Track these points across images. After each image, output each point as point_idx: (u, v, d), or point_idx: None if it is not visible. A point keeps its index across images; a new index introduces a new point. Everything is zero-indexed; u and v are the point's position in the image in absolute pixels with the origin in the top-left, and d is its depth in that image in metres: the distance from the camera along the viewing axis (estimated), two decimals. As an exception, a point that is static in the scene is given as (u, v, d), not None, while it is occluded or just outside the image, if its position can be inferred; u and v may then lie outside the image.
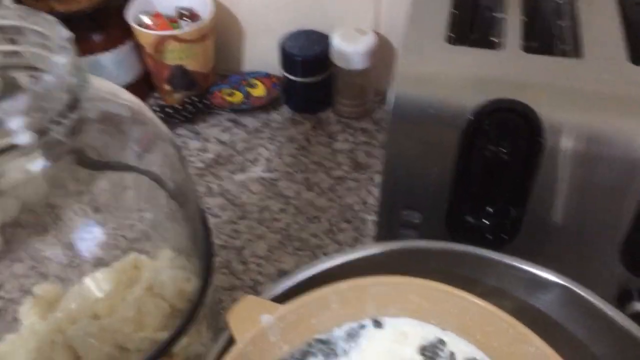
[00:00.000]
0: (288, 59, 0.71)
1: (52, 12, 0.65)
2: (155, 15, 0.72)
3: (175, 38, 0.68)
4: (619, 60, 0.41)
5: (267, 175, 0.68)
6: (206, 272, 0.37)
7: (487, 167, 0.41)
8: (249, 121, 0.75)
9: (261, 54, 0.78)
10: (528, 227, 0.45)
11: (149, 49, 0.70)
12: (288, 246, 0.60)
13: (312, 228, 0.62)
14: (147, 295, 0.40)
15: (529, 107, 0.38)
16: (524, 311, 0.39)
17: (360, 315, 0.39)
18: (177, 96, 0.75)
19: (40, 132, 0.26)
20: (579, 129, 0.39)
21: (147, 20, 0.71)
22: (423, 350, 0.38)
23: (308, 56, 0.70)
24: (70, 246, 0.41)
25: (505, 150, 0.39)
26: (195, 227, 0.39)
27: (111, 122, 0.32)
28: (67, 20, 0.68)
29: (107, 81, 0.34)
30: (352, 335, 0.39)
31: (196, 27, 0.69)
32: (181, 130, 0.73)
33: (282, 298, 0.38)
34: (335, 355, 0.38)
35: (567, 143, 0.39)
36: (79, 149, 0.29)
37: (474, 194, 0.43)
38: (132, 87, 0.73)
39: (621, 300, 0.46)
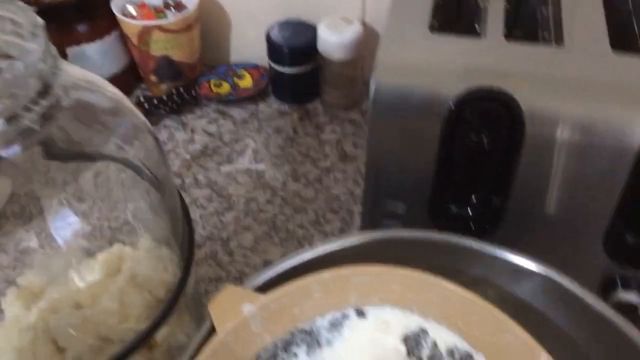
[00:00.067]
0: (274, 50, 0.71)
1: (37, 2, 0.64)
2: (141, 6, 0.71)
3: (160, 28, 0.68)
4: (601, 48, 0.41)
5: (254, 166, 0.67)
6: (187, 262, 0.37)
7: (469, 156, 0.41)
8: (236, 112, 0.74)
9: (248, 44, 0.78)
10: (512, 217, 0.45)
11: (134, 39, 0.69)
12: (274, 237, 0.60)
13: (299, 219, 0.62)
14: (129, 285, 0.40)
15: (510, 96, 0.38)
16: (508, 300, 0.39)
17: (343, 305, 0.39)
18: (164, 87, 0.74)
19: (11, 118, 0.25)
20: (561, 117, 0.39)
21: (132, 10, 0.70)
22: (406, 340, 0.38)
23: (294, 46, 0.70)
24: (54, 237, 0.41)
25: (487, 139, 0.39)
26: (175, 216, 0.39)
27: (87, 111, 0.32)
28: (53, 10, 0.68)
29: (85, 70, 0.34)
30: (335, 325, 0.39)
31: (181, 17, 0.69)
32: (168, 122, 0.73)
33: (265, 288, 0.37)
34: (319, 345, 0.38)
35: (548, 131, 0.39)
36: (50, 139, 0.28)
37: (456, 183, 0.43)
38: (118, 78, 0.73)
39: (605, 289, 0.46)
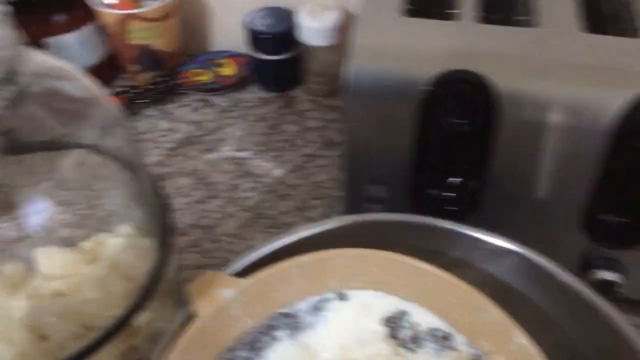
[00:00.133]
0: (255, 37, 0.71)
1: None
2: (119, -6, 0.71)
3: (138, 17, 0.67)
4: (572, 29, 0.42)
5: (237, 154, 0.67)
6: (164, 248, 0.37)
7: (445, 138, 0.42)
8: (219, 101, 0.74)
9: (229, 32, 0.78)
10: (491, 199, 0.45)
11: (112, 28, 0.69)
12: (258, 224, 0.60)
13: (283, 206, 0.62)
14: (111, 273, 0.40)
15: (484, 78, 0.38)
16: (487, 281, 0.40)
17: (324, 289, 0.39)
18: (145, 76, 0.74)
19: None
20: (534, 98, 0.39)
21: (110, -1, 0.70)
22: (387, 322, 0.39)
23: (275, 34, 0.70)
24: (34, 226, 0.41)
25: (462, 122, 0.40)
26: (152, 204, 0.39)
27: (60, 99, 0.32)
28: (31, 1, 0.67)
29: (58, 59, 0.34)
30: (317, 309, 0.39)
31: (159, 6, 0.68)
32: (150, 111, 0.73)
33: (246, 273, 0.38)
34: (301, 328, 0.39)
35: (522, 113, 0.39)
36: (17, 127, 0.28)
37: (434, 166, 0.44)
38: (98, 68, 0.73)
39: (584, 268, 0.46)
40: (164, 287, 0.39)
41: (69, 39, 0.69)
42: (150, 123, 0.71)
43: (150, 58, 0.72)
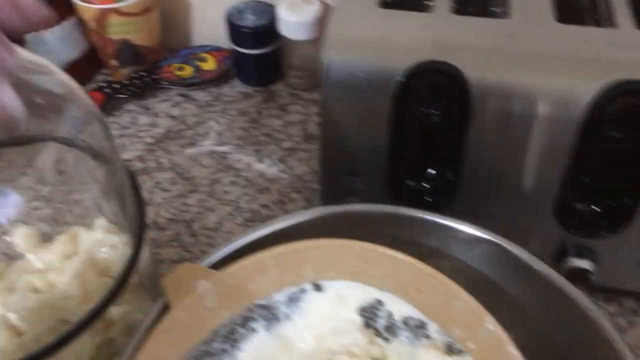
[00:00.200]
0: (236, 32, 0.71)
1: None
2: (98, -11, 0.70)
3: (117, 11, 0.67)
4: (545, 20, 0.42)
5: (218, 148, 0.67)
6: (137, 240, 0.37)
7: (421, 130, 0.42)
8: (200, 95, 0.74)
9: (209, 27, 0.77)
10: (467, 189, 0.45)
11: (91, 23, 0.68)
12: (238, 218, 0.60)
13: (263, 199, 0.62)
14: (87, 267, 0.40)
15: (456, 68, 0.38)
16: (462, 270, 0.40)
17: (300, 280, 0.39)
18: (125, 71, 0.74)
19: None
20: (507, 88, 0.39)
21: (89, -6, 0.69)
22: (363, 312, 0.39)
23: (255, 28, 0.70)
24: (10, 220, 0.41)
25: (436, 112, 0.40)
26: (127, 198, 0.39)
27: (33, 93, 0.32)
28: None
29: (32, 54, 0.34)
30: (293, 300, 0.39)
31: (138, 0, 0.68)
32: (130, 106, 0.72)
33: (222, 265, 0.38)
34: (278, 319, 0.39)
35: (496, 103, 0.40)
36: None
37: (410, 157, 0.44)
38: (78, 63, 0.72)
39: (559, 257, 0.47)
40: (138, 281, 0.39)
41: (49, 34, 0.69)
42: (130, 118, 0.71)
43: (130, 53, 0.72)
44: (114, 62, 0.73)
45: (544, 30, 0.41)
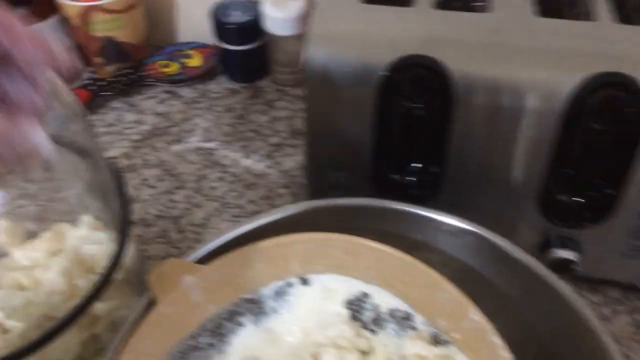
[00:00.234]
0: (221, 28, 0.71)
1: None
2: (81, -14, 0.70)
3: (101, 9, 0.67)
4: (525, 14, 0.42)
5: (204, 145, 0.67)
6: (121, 236, 0.37)
7: (404, 123, 0.42)
8: (186, 92, 0.74)
9: (195, 24, 0.77)
10: (452, 182, 0.46)
11: (75, 21, 0.68)
12: (225, 213, 0.60)
13: (250, 195, 0.62)
14: (73, 264, 0.40)
15: (439, 62, 0.39)
16: (447, 262, 0.41)
17: (286, 273, 0.39)
18: (110, 68, 0.73)
19: None
20: (489, 82, 0.40)
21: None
22: (349, 304, 0.39)
23: (241, 24, 0.70)
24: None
25: (419, 106, 0.40)
26: (111, 195, 0.39)
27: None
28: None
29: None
30: (280, 294, 0.39)
31: (122, -3, 0.68)
32: (116, 103, 0.72)
33: (209, 260, 0.38)
34: (265, 313, 0.39)
35: (478, 96, 0.40)
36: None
37: (394, 151, 0.44)
38: (62, 61, 0.72)
39: (543, 248, 0.47)
40: (124, 277, 0.39)
41: (32, 31, 0.68)
42: (116, 115, 0.71)
43: (114, 50, 0.71)
44: (98, 60, 0.73)
45: (525, 24, 0.42)
